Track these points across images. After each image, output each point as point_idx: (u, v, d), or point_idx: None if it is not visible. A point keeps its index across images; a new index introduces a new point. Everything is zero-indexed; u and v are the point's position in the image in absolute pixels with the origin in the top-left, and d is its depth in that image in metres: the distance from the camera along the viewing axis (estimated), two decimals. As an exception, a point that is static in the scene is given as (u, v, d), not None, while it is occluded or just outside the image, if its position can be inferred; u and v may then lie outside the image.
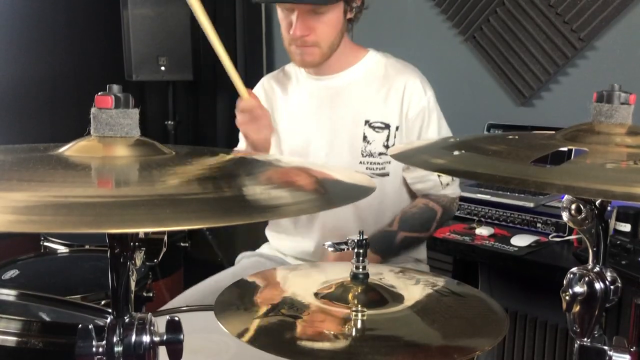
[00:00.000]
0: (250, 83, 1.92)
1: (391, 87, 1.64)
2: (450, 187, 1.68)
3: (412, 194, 1.72)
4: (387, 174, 1.64)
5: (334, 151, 1.66)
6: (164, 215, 0.58)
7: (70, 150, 0.74)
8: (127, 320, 0.69)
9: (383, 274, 1.15)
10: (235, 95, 1.61)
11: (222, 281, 1.57)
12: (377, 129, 1.63)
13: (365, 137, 1.63)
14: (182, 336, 0.70)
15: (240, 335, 0.92)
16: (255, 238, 1.90)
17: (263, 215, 0.67)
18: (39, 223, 0.56)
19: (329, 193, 0.78)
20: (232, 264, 1.86)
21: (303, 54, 1.59)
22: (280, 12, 1.59)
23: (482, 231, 2.02)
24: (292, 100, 1.74)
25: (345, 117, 1.66)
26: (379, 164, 1.63)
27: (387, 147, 1.62)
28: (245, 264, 1.79)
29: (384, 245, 1.58)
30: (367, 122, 1.63)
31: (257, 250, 1.85)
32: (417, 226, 1.63)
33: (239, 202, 0.66)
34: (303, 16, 1.52)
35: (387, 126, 1.63)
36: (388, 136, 1.63)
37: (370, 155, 1.63)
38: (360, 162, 1.63)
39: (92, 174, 0.70)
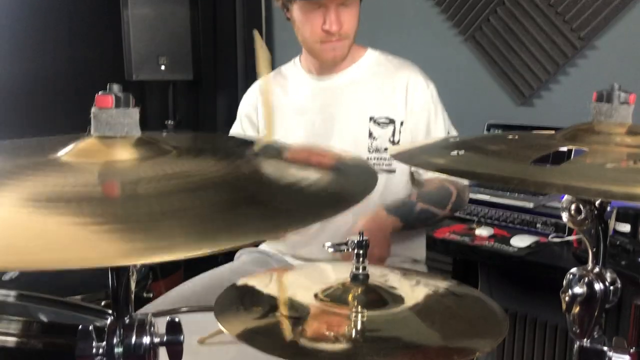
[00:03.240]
0: (250, 83, 1.92)
1: (394, 82, 1.66)
2: None
3: None
4: (393, 171, 1.64)
5: (339, 149, 1.66)
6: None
7: (70, 150, 0.74)
8: (127, 321, 0.69)
9: (384, 275, 1.14)
10: (235, 95, 1.61)
11: (220, 275, 1.57)
12: (382, 125, 1.64)
13: (370, 134, 1.64)
14: (182, 337, 0.70)
15: (240, 336, 0.92)
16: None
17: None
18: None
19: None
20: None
21: (335, 49, 1.60)
22: (302, 13, 1.58)
23: (482, 231, 2.02)
24: (293, 101, 1.74)
25: (349, 115, 1.66)
26: (385, 159, 1.64)
27: (392, 142, 1.63)
28: (244, 259, 1.78)
29: (405, 212, 1.57)
30: (371, 118, 1.64)
31: (257, 248, 1.85)
32: (434, 201, 1.62)
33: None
34: (336, 10, 1.54)
35: (392, 121, 1.64)
36: (393, 131, 1.64)
37: (377, 150, 1.64)
38: (367, 159, 1.64)
39: (95, 181, 0.68)
